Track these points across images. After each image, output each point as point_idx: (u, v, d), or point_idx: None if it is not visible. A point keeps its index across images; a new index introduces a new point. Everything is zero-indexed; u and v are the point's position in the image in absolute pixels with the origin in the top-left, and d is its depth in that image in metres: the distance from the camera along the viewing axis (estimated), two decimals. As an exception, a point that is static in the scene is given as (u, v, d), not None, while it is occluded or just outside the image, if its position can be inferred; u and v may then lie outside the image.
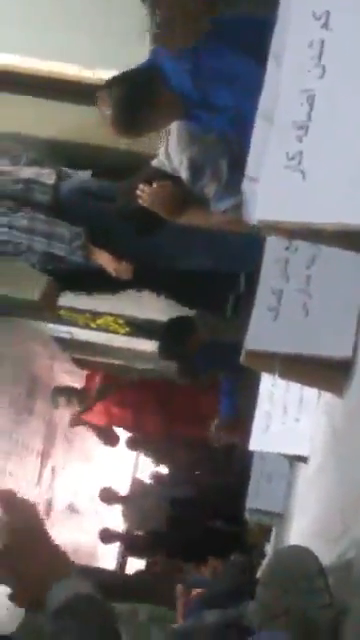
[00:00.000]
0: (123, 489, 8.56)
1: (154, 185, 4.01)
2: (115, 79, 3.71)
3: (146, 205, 4.03)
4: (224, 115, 3.64)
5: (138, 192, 4.03)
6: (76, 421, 8.02)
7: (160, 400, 7.40)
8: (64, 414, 10.91)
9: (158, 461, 8.70)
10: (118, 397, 7.50)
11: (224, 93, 3.61)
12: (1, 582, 1.74)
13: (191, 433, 7.64)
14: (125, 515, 8.38)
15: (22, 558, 1.74)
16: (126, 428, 8.13)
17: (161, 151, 4.22)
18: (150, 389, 7.51)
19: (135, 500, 8.07)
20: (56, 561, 1.77)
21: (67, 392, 7.76)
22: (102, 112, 3.68)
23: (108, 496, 8.48)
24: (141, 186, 4.03)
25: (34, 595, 1.71)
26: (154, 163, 4.35)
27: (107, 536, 8.36)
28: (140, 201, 4.04)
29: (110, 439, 8.49)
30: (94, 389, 7.38)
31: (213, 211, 4.09)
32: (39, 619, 1.70)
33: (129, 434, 8.55)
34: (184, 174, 4.07)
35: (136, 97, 3.63)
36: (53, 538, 1.82)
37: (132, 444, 9.25)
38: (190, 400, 7.33)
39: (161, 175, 4.11)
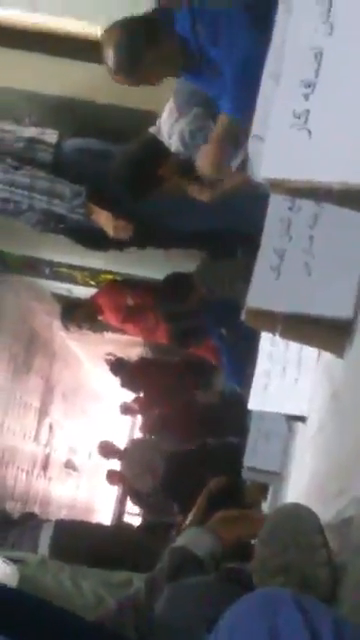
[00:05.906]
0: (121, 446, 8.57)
1: None
2: (118, 22, 3.71)
3: None
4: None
5: None
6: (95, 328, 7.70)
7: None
8: (62, 373, 10.99)
9: (151, 429, 8.59)
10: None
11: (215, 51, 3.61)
12: None
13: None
14: (124, 471, 8.39)
15: None
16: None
17: (158, 121, 4.26)
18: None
19: (133, 454, 8.05)
20: None
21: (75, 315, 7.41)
22: (105, 54, 3.67)
23: (107, 450, 8.49)
24: None
25: None
26: (151, 130, 4.38)
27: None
28: None
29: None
30: (102, 305, 7.09)
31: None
32: None
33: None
34: (174, 146, 4.11)
35: (138, 38, 3.63)
36: None
37: (126, 410, 9.27)
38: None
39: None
